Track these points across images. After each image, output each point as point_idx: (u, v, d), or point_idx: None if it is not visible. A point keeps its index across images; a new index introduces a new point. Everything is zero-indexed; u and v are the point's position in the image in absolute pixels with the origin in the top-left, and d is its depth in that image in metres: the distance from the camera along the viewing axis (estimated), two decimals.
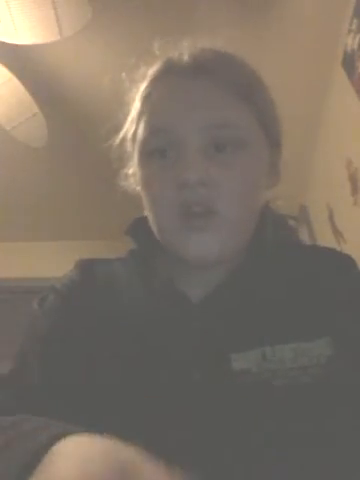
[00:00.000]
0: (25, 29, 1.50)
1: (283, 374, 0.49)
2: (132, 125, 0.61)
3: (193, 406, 0.49)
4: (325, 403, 0.48)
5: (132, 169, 0.64)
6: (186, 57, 0.58)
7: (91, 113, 2.20)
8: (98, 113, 2.26)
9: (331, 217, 2.21)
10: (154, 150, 0.56)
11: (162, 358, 0.52)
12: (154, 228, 0.58)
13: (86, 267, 0.66)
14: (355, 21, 1.68)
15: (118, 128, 0.63)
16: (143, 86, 0.60)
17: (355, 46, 1.69)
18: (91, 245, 2.81)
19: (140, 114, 0.59)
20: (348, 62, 1.78)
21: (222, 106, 0.55)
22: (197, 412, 0.48)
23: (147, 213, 0.59)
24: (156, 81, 0.59)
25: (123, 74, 0.62)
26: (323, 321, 0.53)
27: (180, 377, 0.50)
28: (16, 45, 1.58)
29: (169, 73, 0.58)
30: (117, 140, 0.64)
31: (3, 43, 1.60)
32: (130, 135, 0.61)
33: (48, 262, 2.92)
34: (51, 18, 1.46)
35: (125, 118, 0.62)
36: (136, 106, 0.60)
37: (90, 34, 1.77)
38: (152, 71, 0.60)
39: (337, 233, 2.13)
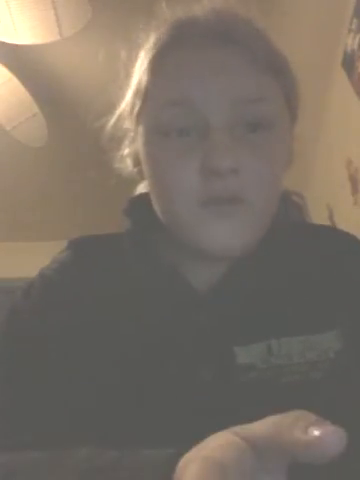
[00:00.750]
0: (25, 29, 1.50)
1: (291, 370, 0.46)
2: (136, 99, 0.52)
3: (199, 404, 0.46)
4: (334, 400, 0.46)
5: (129, 149, 0.57)
6: (203, 18, 0.49)
7: (91, 113, 2.20)
8: (98, 113, 2.25)
9: (331, 217, 2.21)
10: (171, 128, 0.48)
11: (166, 353, 0.48)
12: (165, 215, 0.52)
13: (80, 247, 0.59)
14: (355, 21, 1.68)
15: (110, 107, 0.56)
16: (150, 55, 0.51)
17: (355, 46, 1.69)
18: None
19: (148, 87, 0.50)
20: (348, 62, 1.78)
21: (251, 78, 0.48)
22: (202, 410, 0.46)
23: (155, 198, 0.53)
24: (167, 48, 0.50)
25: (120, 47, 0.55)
26: (332, 313, 0.50)
27: (186, 374, 0.47)
28: (16, 45, 1.58)
29: (183, 39, 0.49)
30: (113, 118, 0.56)
31: (3, 43, 1.60)
32: (135, 111, 0.53)
33: (48, 262, 2.91)
34: (51, 18, 1.46)
35: (120, 93, 0.55)
36: (141, 78, 0.52)
37: (90, 34, 1.77)
38: (159, 37, 0.51)
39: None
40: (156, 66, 0.50)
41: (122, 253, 0.56)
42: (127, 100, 0.54)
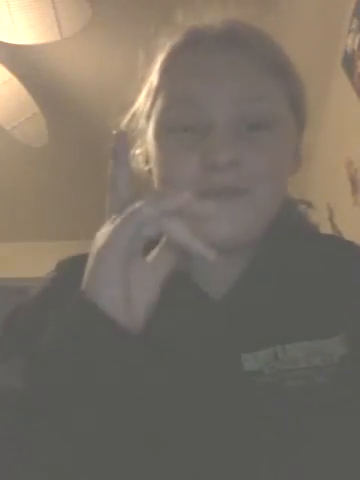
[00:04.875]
0: (25, 29, 1.50)
1: (296, 375, 0.47)
2: (147, 99, 0.55)
3: (206, 410, 0.47)
4: (339, 404, 0.47)
5: (141, 148, 0.59)
6: (215, 26, 0.53)
7: (91, 113, 2.20)
8: (98, 113, 2.26)
9: (331, 217, 2.21)
10: (177, 125, 0.50)
11: (175, 360, 0.49)
12: None
13: (66, 266, 0.60)
14: (355, 21, 1.68)
15: (127, 107, 0.59)
16: (162, 58, 0.54)
17: (355, 46, 1.69)
18: (91, 245, 2.80)
19: (159, 87, 0.54)
20: (348, 62, 1.78)
21: (255, 79, 0.51)
22: (209, 416, 0.47)
23: None
24: (179, 52, 0.53)
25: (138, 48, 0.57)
26: (337, 318, 0.51)
27: (193, 380, 0.48)
28: (16, 45, 1.59)
29: (194, 43, 0.53)
30: (127, 117, 0.59)
31: (3, 43, 1.60)
32: (145, 110, 0.56)
33: (48, 262, 2.91)
34: (51, 18, 1.46)
35: (136, 94, 0.58)
36: (153, 80, 0.55)
37: (90, 34, 1.77)
38: (173, 42, 0.54)
39: (337, 233, 2.13)
40: (166, 68, 0.54)
41: None
42: (140, 101, 0.57)
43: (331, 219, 2.21)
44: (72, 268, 0.58)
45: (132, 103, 0.58)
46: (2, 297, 2.95)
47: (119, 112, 0.59)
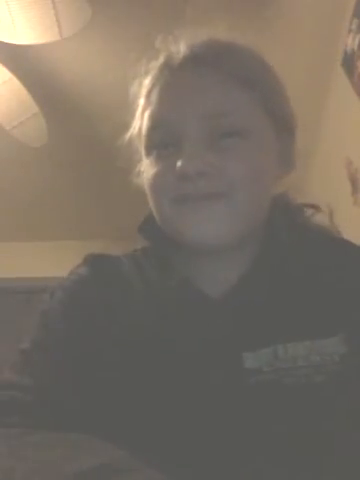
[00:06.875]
0: (25, 29, 1.50)
1: (295, 373, 0.48)
2: (137, 121, 0.61)
3: (208, 407, 0.48)
4: (337, 403, 0.48)
5: (143, 166, 0.63)
6: (183, 49, 0.58)
7: (91, 113, 2.20)
8: (98, 113, 2.26)
9: (331, 217, 2.21)
10: (157, 143, 0.56)
11: (178, 357, 0.51)
12: (157, 218, 0.58)
13: (95, 262, 0.64)
14: (355, 21, 1.68)
15: (126, 127, 0.64)
16: (146, 82, 0.60)
17: (355, 46, 1.69)
18: (91, 245, 2.80)
19: (143, 110, 0.60)
20: (348, 62, 1.78)
21: (220, 95, 0.55)
22: (211, 412, 0.48)
23: (150, 205, 0.59)
24: (157, 76, 0.59)
25: (127, 70, 0.62)
26: (338, 318, 0.52)
27: (196, 378, 0.49)
28: (16, 45, 1.59)
29: (168, 67, 0.58)
30: (126, 138, 0.64)
31: (3, 43, 1.60)
32: (136, 131, 0.62)
33: (48, 262, 2.92)
34: (51, 18, 1.46)
35: (132, 116, 0.63)
36: (141, 102, 0.61)
37: (90, 34, 1.77)
38: (154, 66, 0.60)
39: (337, 233, 2.13)
40: (147, 91, 0.59)
41: (132, 269, 0.62)
42: (134, 122, 0.62)
43: (331, 219, 2.21)
44: (103, 267, 0.63)
45: (132, 109, 0.63)
46: (2, 297, 2.96)
47: (123, 128, 0.64)
